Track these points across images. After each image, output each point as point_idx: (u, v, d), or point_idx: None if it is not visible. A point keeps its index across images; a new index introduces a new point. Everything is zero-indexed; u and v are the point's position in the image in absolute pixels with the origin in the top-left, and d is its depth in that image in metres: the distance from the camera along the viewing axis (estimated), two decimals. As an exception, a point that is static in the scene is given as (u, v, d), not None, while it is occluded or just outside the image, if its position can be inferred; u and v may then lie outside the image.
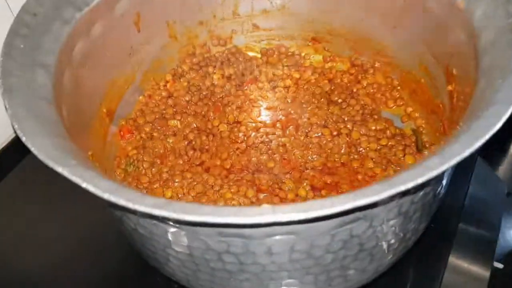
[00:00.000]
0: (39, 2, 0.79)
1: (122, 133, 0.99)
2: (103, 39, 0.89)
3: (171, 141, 0.99)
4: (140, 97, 1.04)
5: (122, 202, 0.50)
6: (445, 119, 0.89)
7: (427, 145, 0.95)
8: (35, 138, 0.58)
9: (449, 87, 0.86)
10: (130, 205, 0.49)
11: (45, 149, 0.58)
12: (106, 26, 0.89)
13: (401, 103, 1.03)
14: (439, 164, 0.49)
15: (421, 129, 0.98)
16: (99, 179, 0.54)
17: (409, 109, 1.01)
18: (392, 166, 0.93)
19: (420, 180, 0.48)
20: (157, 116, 1.01)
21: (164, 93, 1.04)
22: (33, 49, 0.74)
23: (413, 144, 0.95)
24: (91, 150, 0.84)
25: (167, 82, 1.06)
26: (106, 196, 0.51)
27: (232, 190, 0.90)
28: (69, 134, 0.71)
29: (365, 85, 1.06)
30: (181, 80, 1.06)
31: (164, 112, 1.02)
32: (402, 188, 0.47)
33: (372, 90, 1.05)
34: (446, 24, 0.86)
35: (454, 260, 0.89)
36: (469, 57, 0.72)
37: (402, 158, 0.93)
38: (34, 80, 0.70)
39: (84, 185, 0.52)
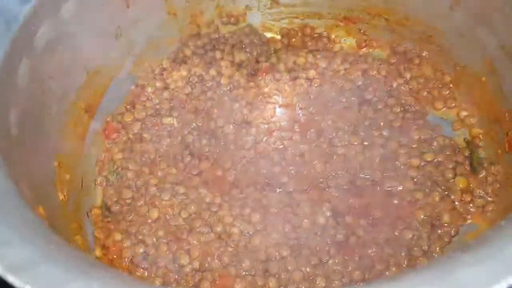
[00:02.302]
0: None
1: (107, 132, 0.82)
2: (78, 18, 0.71)
3: (165, 143, 0.81)
4: (132, 87, 0.86)
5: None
6: (512, 134, 0.69)
7: (484, 164, 0.74)
8: None
9: (525, 95, 0.65)
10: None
11: None
12: (83, 1, 0.71)
13: (453, 104, 0.81)
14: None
15: (478, 141, 0.77)
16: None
17: (463, 113, 0.80)
18: (439, 190, 0.73)
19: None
20: (149, 113, 0.84)
21: (159, 84, 0.86)
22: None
23: (467, 162, 0.75)
24: (58, 159, 0.69)
25: (163, 69, 0.87)
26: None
27: (233, 212, 0.73)
28: (14, 151, 0.55)
29: (408, 78, 0.84)
30: (181, 68, 0.87)
31: (158, 107, 0.84)
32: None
33: (416, 86, 0.84)
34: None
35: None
36: None
37: (452, 180, 0.73)
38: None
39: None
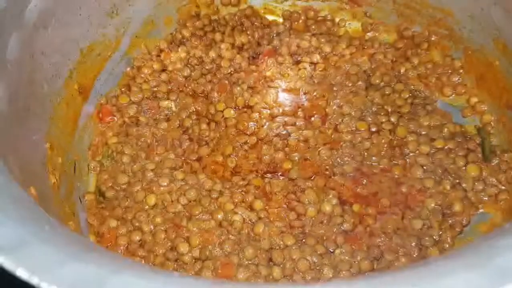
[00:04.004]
0: None
1: (101, 115, 0.78)
2: (72, -9, 0.67)
3: (162, 127, 0.77)
4: (128, 69, 0.82)
5: None
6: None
7: (497, 152, 0.71)
8: None
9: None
10: None
11: None
12: (77, -26, 0.67)
13: (463, 90, 0.78)
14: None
15: (490, 129, 0.74)
16: None
17: (474, 100, 0.77)
18: (450, 178, 0.70)
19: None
20: (146, 95, 0.80)
21: (156, 66, 0.82)
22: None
23: (478, 149, 0.72)
24: (49, 141, 0.65)
25: (161, 51, 0.83)
26: None
27: (234, 199, 0.69)
28: (2, 128, 0.51)
29: (416, 64, 0.81)
30: (179, 49, 0.83)
31: (156, 90, 0.80)
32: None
33: (425, 72, 0.81)
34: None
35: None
36: None
37: (463, 168, 0.70)
38: None
39: None
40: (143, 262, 0.64)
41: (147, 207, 0.69)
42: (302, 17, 0.90)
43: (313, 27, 0.88)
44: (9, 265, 0.30)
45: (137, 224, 0.67)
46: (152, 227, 0.67)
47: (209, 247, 0.64)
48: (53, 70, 0.67)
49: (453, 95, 0.79)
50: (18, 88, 0.58)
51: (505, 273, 0.29)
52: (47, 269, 0.30)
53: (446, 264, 0.30)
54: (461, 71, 0.79)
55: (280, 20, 0.90)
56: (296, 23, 0.90)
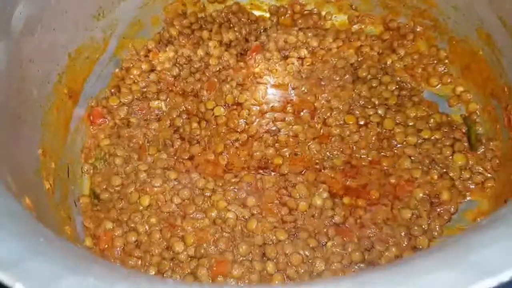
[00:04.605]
0: None
1: (92, 117, 0.79)
2: (58, -3, 0.67)
3: (153, 127, 0.78)
4: (116, 70, 0.83)
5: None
6: (511, 108, 0.67)
7: (483, 140, 0.72)
8: None
9: (524, 68, 0.63)
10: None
11: None
12: (62, -21, 0.67)
13: (449, 80, 0.80)
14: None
15: (475, 117, 0.75)
16: None
17: (459, 89, 0.78)
18: (437, 168, 0.71)
19: None
20: (136, 96, 0.80)
21: (145, 66, 0.82)
22: None
23: (465, 138, 0.73)
24: (42, 147, 0.65)
25: (149, 51, 0.84)
26: None
27: (227, 197, 0.70)
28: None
29: (402, 55, 0.82)
30: (167, 49, 0.83)
31: (145, 90, 0.81)
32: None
33: (411, 63, 0.82)
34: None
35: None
36: None
37: (450, 158, 0.72)
38: None
39: None
40: (140, 262, 0.65)
41: (141, 208, 0.70)
42: (289, 12, 0.90)
43: (300, 21, 0.89)
44: (6, 280, 0.31)
45: (132, 225, 0.68)
46: (147, 227, 0.68)
47: (204, 245, 0.65)
48: (42, 76, 0.67)
49: (439, 85, 0.80)
50: (8, 97, 0.59)
51: (479, 269, 0.31)
52: (44, 284, 0.31)
53: (422, 263, 0.32)
54: (446, 61, 0.80)
55: (267, 15, 0.91)
56: (283, 17, 0.90)
